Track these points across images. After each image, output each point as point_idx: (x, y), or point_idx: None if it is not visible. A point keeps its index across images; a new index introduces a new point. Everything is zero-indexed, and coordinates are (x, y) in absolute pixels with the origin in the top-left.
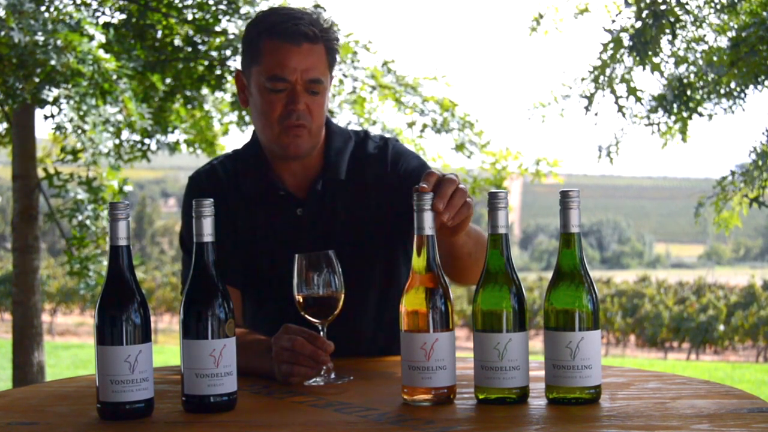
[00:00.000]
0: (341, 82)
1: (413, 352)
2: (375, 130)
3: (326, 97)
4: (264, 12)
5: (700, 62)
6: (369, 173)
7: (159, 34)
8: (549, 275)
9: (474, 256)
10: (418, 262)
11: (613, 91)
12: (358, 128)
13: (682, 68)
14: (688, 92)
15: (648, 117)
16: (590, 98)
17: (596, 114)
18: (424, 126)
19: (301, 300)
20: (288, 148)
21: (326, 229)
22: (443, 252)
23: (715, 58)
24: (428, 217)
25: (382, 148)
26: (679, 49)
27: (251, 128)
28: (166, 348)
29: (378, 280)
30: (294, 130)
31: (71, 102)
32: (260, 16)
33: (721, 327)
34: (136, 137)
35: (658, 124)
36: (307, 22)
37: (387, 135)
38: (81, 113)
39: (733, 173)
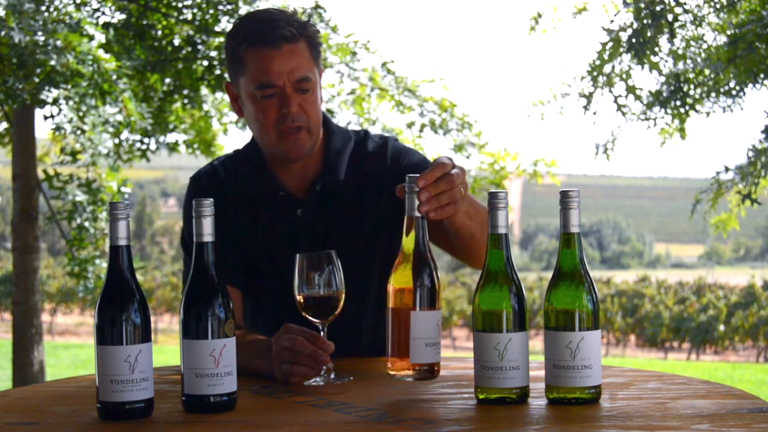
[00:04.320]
0: (341, 81)
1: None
2: (375, 130)
3: (318, 92)
4: (239, 20)
5: (698, 59)
6: (368, 173)
7: (159, 34)
8: (549, 275)
9: (477, 238)
10: (407, 241)
11: (611, 90)
12: (359, 128)
13: (680, 65)
14: (685, 88)
15: (645, 113)
16: (589, 97)
17: (595, 113)
18: (423, 126)
19: (301, 300)
20: (289, 152)
21: (326, 229)
22: (444, 232)
23: (713, 54)
24: (416, 200)
25: (381, 147)
26: (678, 48)
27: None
28: (166, 348)
29: (376, 280)
30: (293, 134)
31: (71, 102)
32: (237, 25)
33: (721, 327)
34: (136, 137)
35: (654, 119)
36: (284, 22)
37: (387, 134)
38: (80, 114)
39: (727, 169)
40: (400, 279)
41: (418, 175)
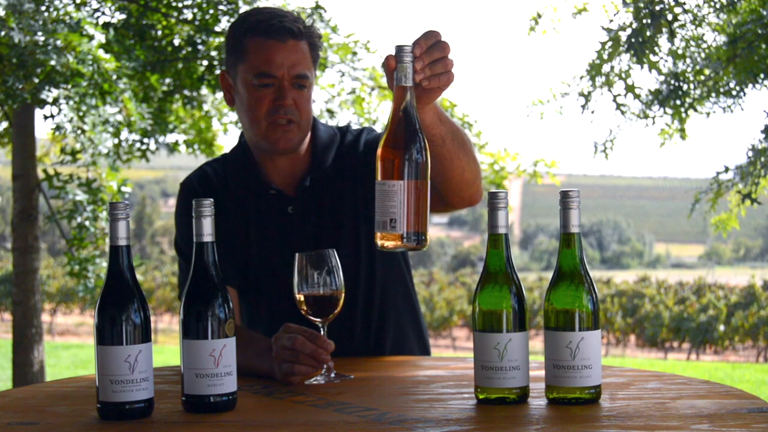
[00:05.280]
0: (341, 81)
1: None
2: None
3: (312, 93)
4: (246, 12)
5: (698, 59)
6: (347, 164)
7: (159, 34)
8: (549, 275)
9: (449, 146)
10: (393, 113)
11: (610, 89)
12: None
13: (679, 65)
14: (685, 88)
15: (644, 112)
16: (587, 96)
17: (593, 112)
18: None
19: (301, 299)
20: (277, 144)
21: (317, 224)
22: None
23: (713, 54)
24: (406, 69)
25: (356, 137)
26: (678, 48)
27: None
28: (166, 348)
29: (364, 272)
30: (282, 126)
31: (71, 102)
32: (243, 15)
33: (721, 327)
34: (136, 137)
35: (653, 118)
36: (291, 19)
37: (367, 126)
38: (80, 114)
39: (726, 169)
40: (387, 151)
41: (408, 44)
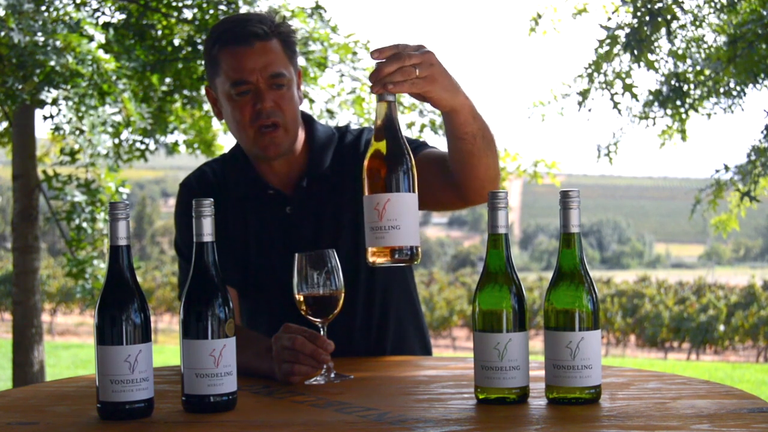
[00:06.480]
0: (341, 81)
1: (370, 213)
2: None
3: (294, 90)
4: (215, 25)
5: (698, 59)
6: (348, 163)
7: (159, 34)
8: (549, 275)
9: (480, 143)
10: (376, 127)
11: (608, 89)
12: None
13: (680, 65)
14: (685, 88)
15: (644, 113)
16: (584, 94)
17: (589, 110)
18: (423, 126)
19: (301, 299)
20: (267, 150)
21: (315, 225)
22: (449, 137)
23: (713, 54)
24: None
25: (357, 137)
26: (678, 48)
27: None
28: (166, 348)
29: (364, 272)
30: (269, 132)
31: (70, 103)
32: (212, 29)
33: (721, 327)
34: (136, 137)
35: (654, 118)
36: (256, 21)
37: (367, 126)
38: (80, 114)
39: (726, 168)
40: (373, 162)
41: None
